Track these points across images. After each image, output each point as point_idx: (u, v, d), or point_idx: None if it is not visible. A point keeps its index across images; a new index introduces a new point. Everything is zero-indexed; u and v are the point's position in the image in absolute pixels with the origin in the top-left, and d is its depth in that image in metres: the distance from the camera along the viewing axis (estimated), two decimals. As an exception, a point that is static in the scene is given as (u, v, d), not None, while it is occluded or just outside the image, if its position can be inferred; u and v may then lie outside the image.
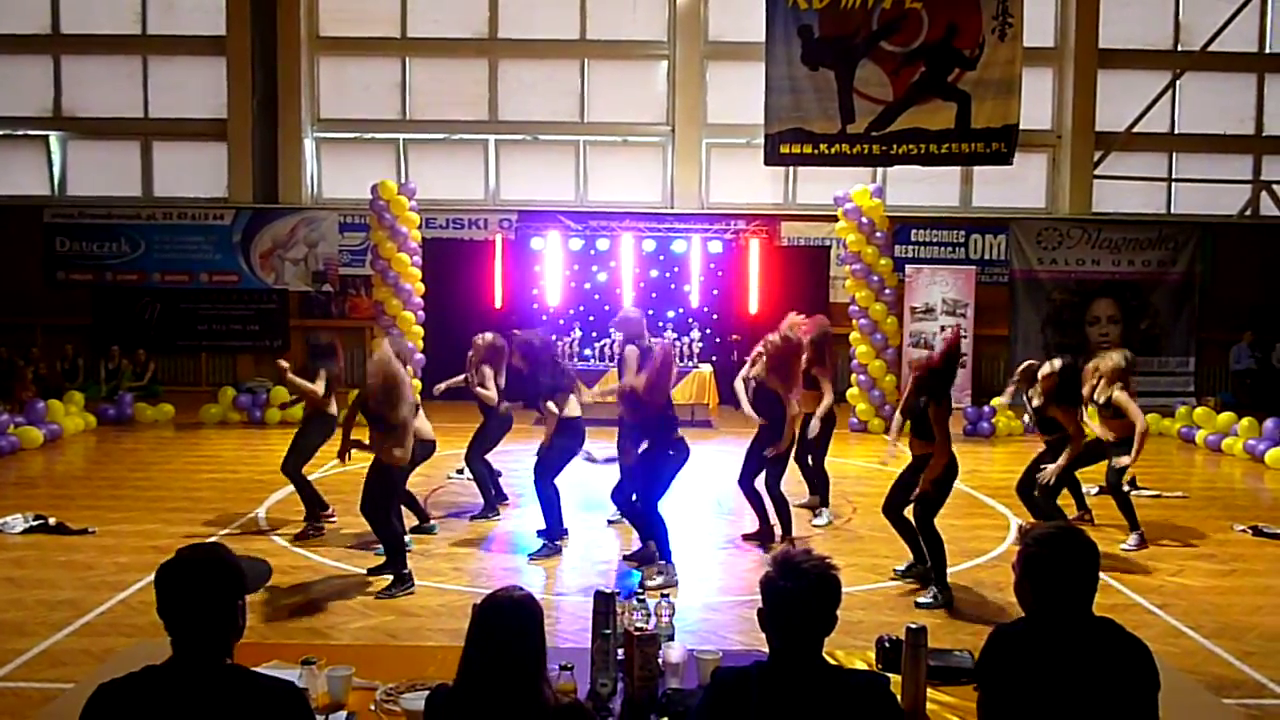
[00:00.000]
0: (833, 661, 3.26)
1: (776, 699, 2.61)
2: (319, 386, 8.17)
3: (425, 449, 7.80)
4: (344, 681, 3.45)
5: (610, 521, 8.48)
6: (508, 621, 2.65)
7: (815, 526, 8.49)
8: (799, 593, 2.63)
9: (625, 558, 7.42)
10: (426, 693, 3.29)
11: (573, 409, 7.77)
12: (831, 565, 2.70)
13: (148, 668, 2.50)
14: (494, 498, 8.84)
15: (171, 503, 9.09)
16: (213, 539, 7.75)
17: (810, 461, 8.87)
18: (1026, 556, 2.87)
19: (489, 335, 8.72)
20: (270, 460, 9.75)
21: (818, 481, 8.89)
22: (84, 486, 9.98)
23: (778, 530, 7.80)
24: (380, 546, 6.87)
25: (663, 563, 6.88)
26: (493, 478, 8.94)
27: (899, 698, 3.24)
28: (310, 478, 8.41)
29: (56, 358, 16.26)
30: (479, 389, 8.50)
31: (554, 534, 7.68)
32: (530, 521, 8.29)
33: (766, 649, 2.70)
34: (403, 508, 7.82)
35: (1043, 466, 7.63)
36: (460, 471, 10.13)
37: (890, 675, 3.30)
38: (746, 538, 8.06)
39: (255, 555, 2.92)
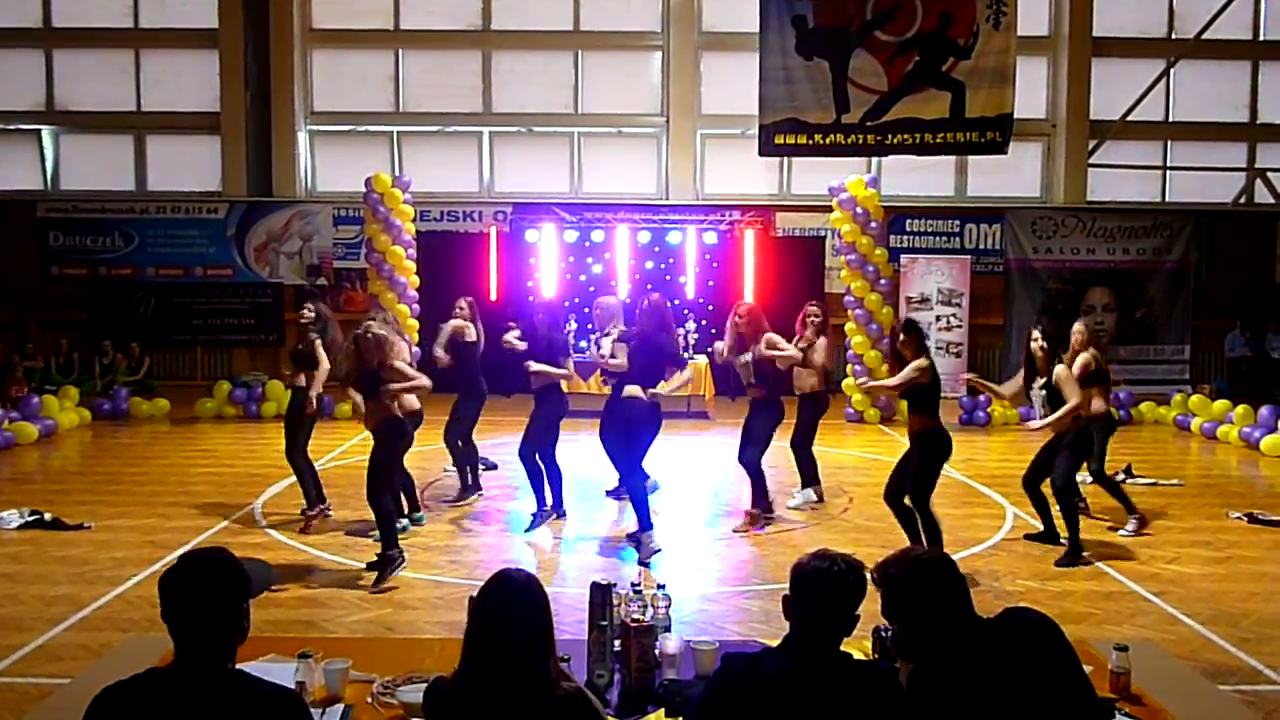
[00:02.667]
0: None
1: (792, 684, 2.64)
2: (322, 358, 8.13)
3: (413, 420, 7.88)
4: (341, 674, 3.45)
5: (609, 493, 8.92)
6: (513, 599, 2.64)
7: (790, 508, 8.63)
8: (830, 575, 2.72)
9: (628, 536, 7.54)
10: (424, 685, 3.30)
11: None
12: (863, 565, 2.82)
13: (151, 670, 2.51)
14: (471, 484, 8.98)
15: (168, 497, 9.08)
16: (209, 534, 7.80)
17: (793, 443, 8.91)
18: (892, 585, 2.86)
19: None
20: (266, 454, 9.76)
21: (800, 463, 8.92)
22: (80, 481, 9.96)
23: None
24: (377, 533, 6.85)
25: (645, 534, 7.16)
26: (472, 461, 9.03)
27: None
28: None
29: (51, 352, 16.25)
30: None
31: (543, 509, 8.08)
32: (525, 510, 8.36)
33: (762, 641, 2.72)
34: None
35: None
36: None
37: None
38: (749, 514, 8.16)
39: (258, 559, 2.92)
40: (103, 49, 17.72)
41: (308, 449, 8.17)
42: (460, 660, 2.65)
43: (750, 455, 8.01)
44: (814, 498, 8.80)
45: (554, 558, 7.47)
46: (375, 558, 6.68)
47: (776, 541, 7.77)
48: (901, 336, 6.94)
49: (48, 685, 4.80)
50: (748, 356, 7.87)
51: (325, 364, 8.02)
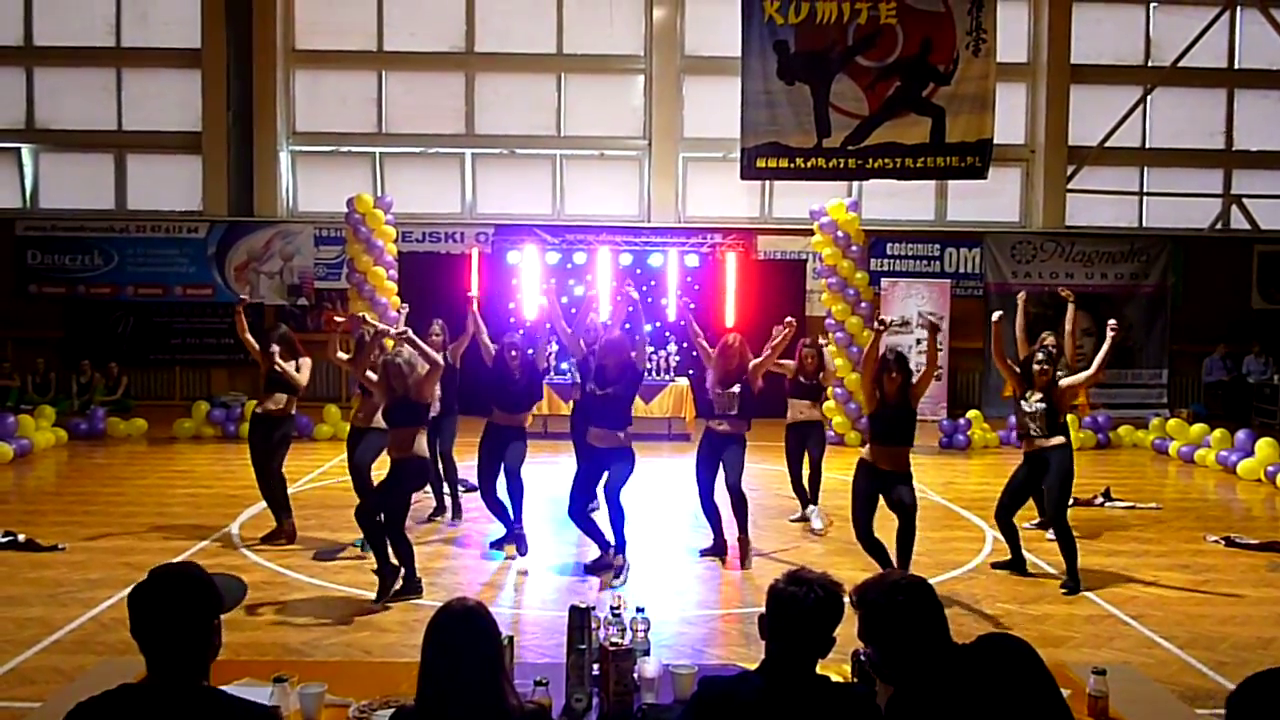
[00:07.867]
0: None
1: (768, 705, 2.63)
2: (303, 376, 8.11)
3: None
4: (316, 699, 3.42)
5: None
6: (458, 629, 2.67)
7: (814, 533, 8.74)
8: (806, 599, 2.72)
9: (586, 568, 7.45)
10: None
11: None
12: (840, 586, 2.82)
13: (123, 686, 2.47)
14: (443, 502, 9.02)
15: (144, 518, 9.00)
16: (186, 555, 7.73)
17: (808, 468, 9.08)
18: (871, 609, 2.86)
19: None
20: (245, 475, 9.63)
21: (812, 483, 9.06)
22: (55, 502, 9.87)
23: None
24: (359, 537, 6.86)
25: (617, 555, 7.19)
26: (452, 479, 9.04)
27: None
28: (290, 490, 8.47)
29: (28, 372, 16.13)
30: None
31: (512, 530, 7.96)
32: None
33: (741, 665, 2.72)
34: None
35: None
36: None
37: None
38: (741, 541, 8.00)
39: (230, 573, 2.91)
40: (84, 67, 17.66)
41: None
42: (417, 691, 2.68)
43: (737, 481, 7.82)
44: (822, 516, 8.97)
45: (531, 581, 7.41)
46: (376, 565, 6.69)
47: (756, 564, 7.75)
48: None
49: (18, 710, 4.75)
50: (737, 388, 7.77)
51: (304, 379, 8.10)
